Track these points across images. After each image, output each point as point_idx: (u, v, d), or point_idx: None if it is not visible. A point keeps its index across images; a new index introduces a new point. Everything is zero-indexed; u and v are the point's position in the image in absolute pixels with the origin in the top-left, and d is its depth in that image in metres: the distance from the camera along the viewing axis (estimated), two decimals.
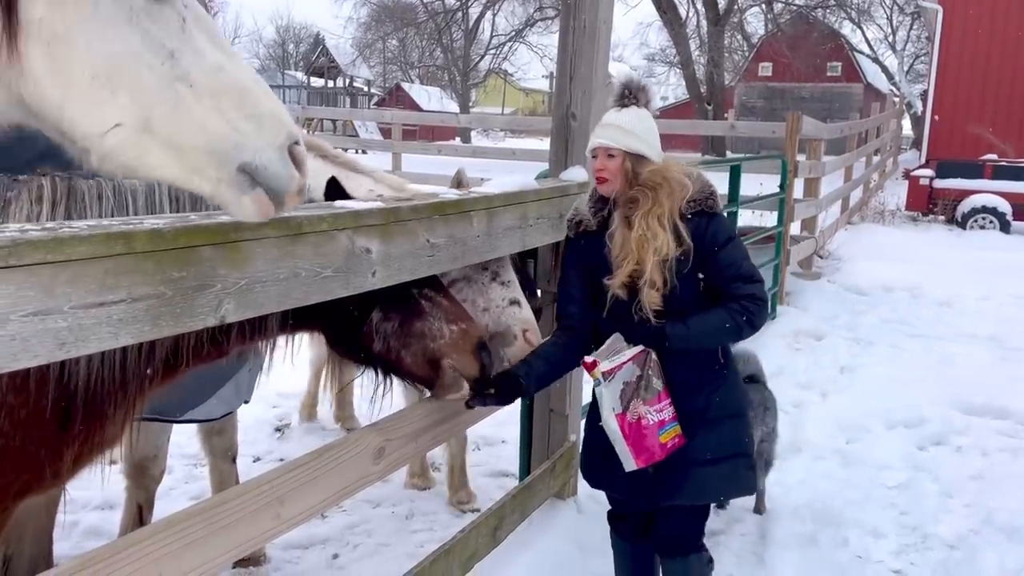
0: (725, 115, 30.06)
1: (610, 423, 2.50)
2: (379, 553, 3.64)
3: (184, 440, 4.23)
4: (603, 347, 2.55)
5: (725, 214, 2.67)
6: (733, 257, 2.56)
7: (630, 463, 2.51)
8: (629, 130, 2.59)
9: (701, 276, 2.56)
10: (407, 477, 4.32)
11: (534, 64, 42.43)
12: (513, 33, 41.23)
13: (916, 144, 24.76)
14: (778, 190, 7.72)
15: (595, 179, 2.65)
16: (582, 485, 3.74)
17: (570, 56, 3.36)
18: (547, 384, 2.79)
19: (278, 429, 5.06)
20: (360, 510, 4.03)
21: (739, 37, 38.25)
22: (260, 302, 1.80)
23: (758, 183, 8.34)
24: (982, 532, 3.95)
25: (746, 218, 8.38)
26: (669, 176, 2.56)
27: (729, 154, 21.56)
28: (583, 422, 2.83)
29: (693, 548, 2.77)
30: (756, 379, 4.11)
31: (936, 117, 19.55)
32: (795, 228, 9.31)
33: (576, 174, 3.35)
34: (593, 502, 3.90)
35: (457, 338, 2.27)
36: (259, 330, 2.09)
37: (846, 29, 40.57)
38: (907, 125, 35.68)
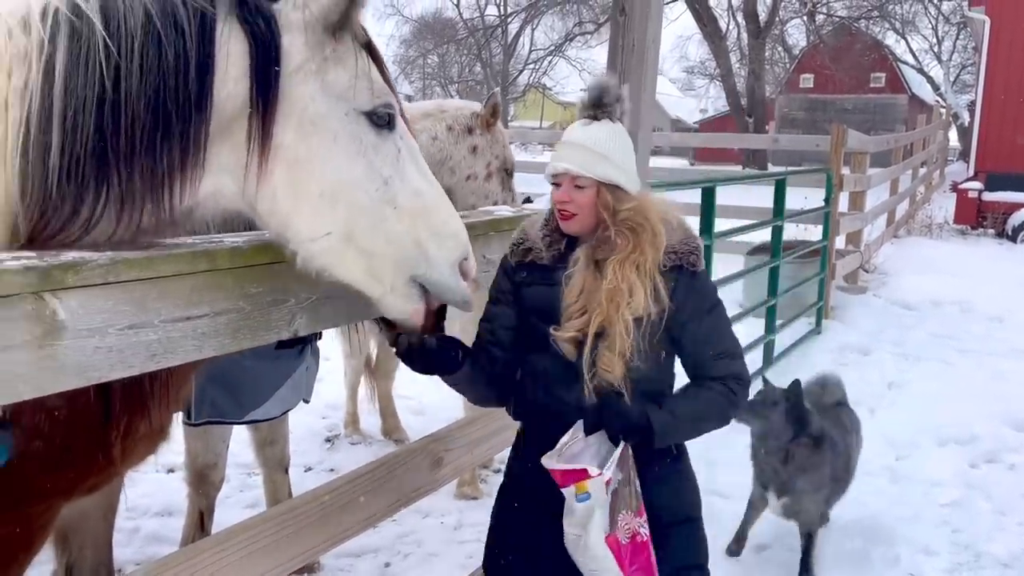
0: (766, 128, 29.87)
1: (598, 550, 1.88)
2: (429, 563, 3.70)
3: (238, 449, 4.35)
4: (563, 441, 1.95)
5: (706, 274, 2.18)
6: (718, 327, 2.09)
7: None
8: (603, 154, 2.01)
9: (665, 348, 2.06)
10: (456, 487, 4.39)
11: (573, 78, 42.50)
12: (552, 48, 41.43)
13: (963, 155, 24.32)
14: (823, 204, 7.68)
15: (558, 213, 2.06)
16: None
17: (619, 74, 3.41)
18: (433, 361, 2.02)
19: (328, 440, 5.16)
20: (410, 520, 4.10)
21: (780, 49, 38.01)
22: (329, 317, 1.89)
23: (803, 197, 8.29)
24: None
25: (791, 232, 8.33)
26: (651, 217, 2.03)
27: (771, 167, 21.40)
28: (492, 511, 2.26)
29: None
30: (843, 403, 4.16)
31: (985, 126, 19.19)
32: (840, 242, 9.24)
33: None
34: None
35: None
36: None
37: (890, 40, 40.09)
38: (954, 136, 35.06)
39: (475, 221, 2.45)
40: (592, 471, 1.85)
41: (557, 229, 2.10)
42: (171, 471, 4.52)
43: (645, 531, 1.94)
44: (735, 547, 3.81)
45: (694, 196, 5.45)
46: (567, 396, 2.00)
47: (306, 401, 3.36)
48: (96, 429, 1.80)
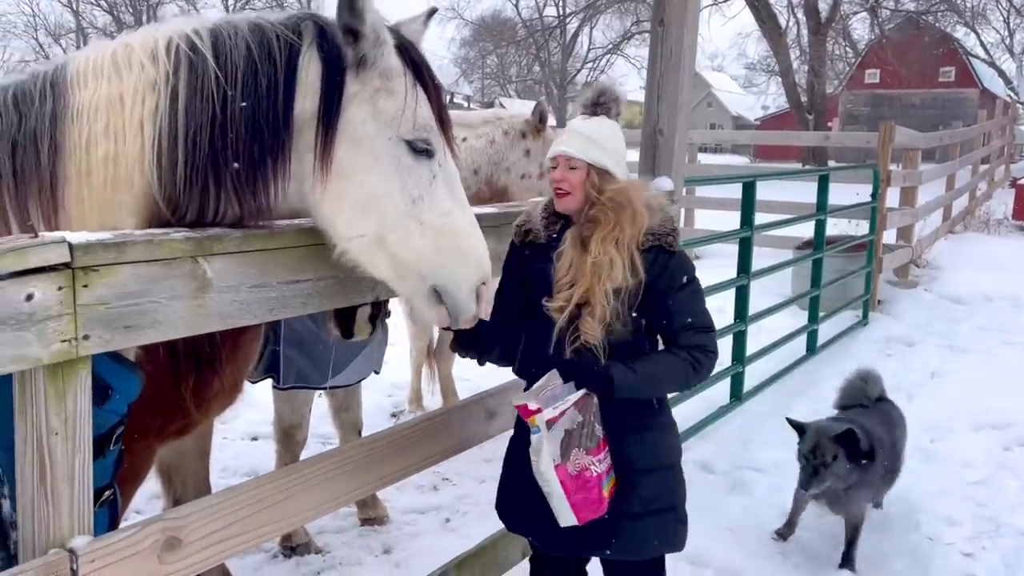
0: (829, 124, 29.49)
1: (548, 475, 2.17)
2: (486, 519, 4.08)
3: (316, 422, 4.83)
4: (538, 385, 2.24)
5: (686, 253, 2.44)
6: (689, 303, 2.33)
7: (569, 518, 2.21)
8: (596, 141, 2.34)
9: (642, 317, 2.31)
10: None
11: (631, 76, 42.48)
12: (610, 46, 41.56)
13: None
14: (870, 199, 7.86)
15: (553, 192, 2.37)
16: None
17: (657, 79, 3.77)
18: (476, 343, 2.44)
19: (394, 415, 5.62)
20: (468, 484, 4.53)
21: (844, 44, 37.40)
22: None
23: (855, 193, 8.45)
24: None
25: (841, 227, 8.50)
26: (633, 199, 2.31)
27: (832, 163, 21.29)
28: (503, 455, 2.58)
29: None
30: (884, 398, 4.26)
31: None
32: (891, 237, 9.34)
33: (663, 183, 3.75)
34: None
35: None
36: None
37: (959, 33, 39.07)
38: None
39: (521, 208, 2.84)
40: (532, 406, 2.14)
41: (555, 212, 2.41)
42: (255, 439, 5.05)
43: (597, 469, 2.21)
44: (785, 531, 3.89)
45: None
46: (556, 357, 2.29)
47: (376, 372, 3.82)
48: (168, 384, 2.13)
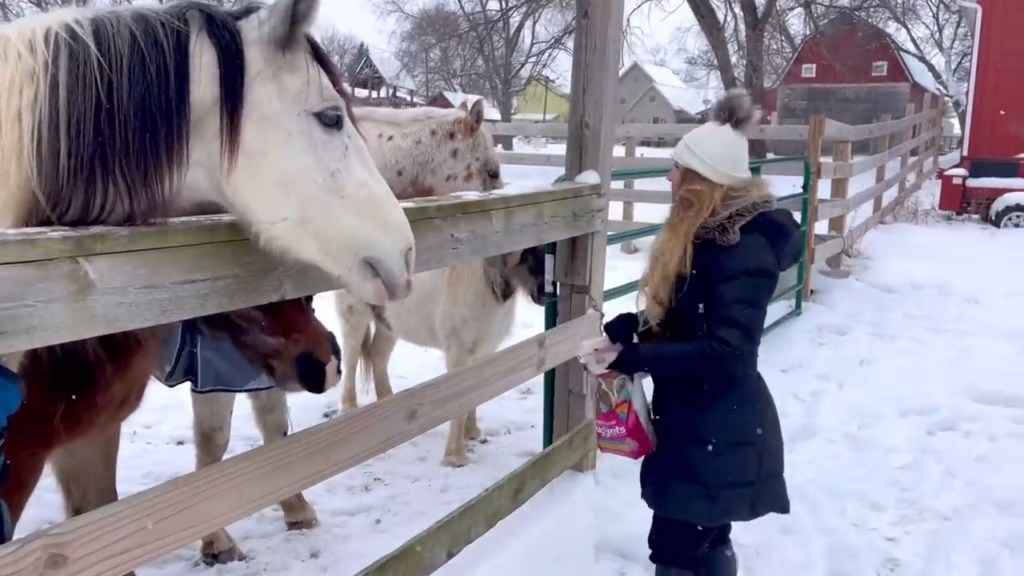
0: (768, 118, 30.01)
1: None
2: (416, 519, 4.03)
3: (242, 424, 4.70)
4: (596, 341, 2.83)
5: (746, 251, 2.58)
6: (725, 296, 2.51)
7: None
8: (691, 146, 2.66)
9: (701, 306, 2.57)
10: (443, 455, 4.74)
11: None
12: (553, 40, 41.60)
13: (962, 143, 24.47)
14: (801, 191, 7.99)
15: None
16: (601, 461, 4.13)
17: (583, 71, 3.75)
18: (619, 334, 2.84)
19: (326, 415, 5.51)
20: (400, 484, 4.46)
21: (780, 39, 38.06)
22: (313, 283, 2.23)
23: (791, 184, 8.58)
24: (977, 506, 4.21)
25: None
26: (704, 198, 2.59)
27: (770, 156, 21.67)
28: None
29: (673, 561, 2.87)
30: None
31: (977, 113, 19.41)
32: (823, 228, 9.53)
33: (589, 177, 3.74)
34: (611, 476, 4.27)
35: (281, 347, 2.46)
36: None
37: (891, 28, 40.12)
38: (956, 124, 35.17)
39: (445, 203, 2.79)
40: (581, 360, 2.82)
41: None
42: (181, 443, 4.90)
43: (598, 431, 2.87)
44: None
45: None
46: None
47: None
48: (48, 397, 2.10)
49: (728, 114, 2.67)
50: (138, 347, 2.11)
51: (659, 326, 2.70)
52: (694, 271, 2.54)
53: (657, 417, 2.80)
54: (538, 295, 4.22)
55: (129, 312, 1.78)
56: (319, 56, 1.95)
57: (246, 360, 2.59)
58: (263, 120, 1.84)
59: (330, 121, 1.89)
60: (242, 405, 3.94)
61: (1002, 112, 18.61)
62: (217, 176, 1.84)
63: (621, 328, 2.82)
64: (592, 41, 3.69)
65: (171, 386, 3.32)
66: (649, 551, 2.97)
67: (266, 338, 2.46)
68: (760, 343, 2.66)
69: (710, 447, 2.62)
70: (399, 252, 1.94)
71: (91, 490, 2.79)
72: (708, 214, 2.56)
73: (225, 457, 3.75)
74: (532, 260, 4.09)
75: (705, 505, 2.64)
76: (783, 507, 2.81)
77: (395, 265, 1.93)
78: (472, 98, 4.37)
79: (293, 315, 2.47)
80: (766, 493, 2.73)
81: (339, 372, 2.51)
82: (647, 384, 2.88)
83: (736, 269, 2.51)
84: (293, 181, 1.84)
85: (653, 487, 2.78)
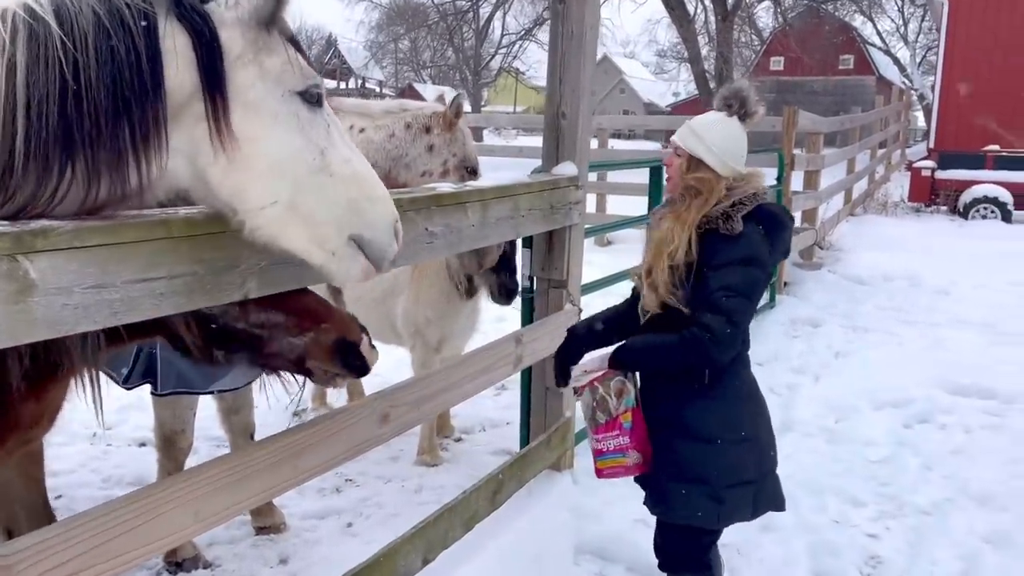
0: None
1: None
2: (390, 522, 3.92)
3: (208, 424, 4.54)
4: (590, 356, 2.73)
5: (745, 240, 2.53)
6: (712, 283, 2.45)
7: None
8: (699, 133, 2.61)
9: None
10: (416, 454, 4.62)
11: (545, 62, 42.41)
12: (523, 32, 41.43)
13: (927, 135, 24.85)
14: (775, 183, 7.96)
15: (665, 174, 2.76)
16: (578, 461, 4.03)
17: (559, 59, 3.63)
18: (602, 340, 2.86)
19: (295, 414, 5.35)
20: (372, 485, 4.33)
21: (749, 32, 38.26)
22: (279, 280, 2.09)
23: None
24: (956, 500, 4.19)
25: None
26: (713, 188, 2.55)
27: None
28: None
29: (685, 568, 2.79)
30: None
31: (943, 106, 19.62)
32: (796, 220, 9.53)
33: (566, 169, 3.62)
34: (589, 476, 4.18)
35: (311, 346, 2.22)
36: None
37: (857, 22, 40.53)
38: (921, 117, 35.65)
39: (418, 196, 2.66)
40: (574, 374, 2.80)
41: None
42: (143, 444, 4.72)
43: (596, 446, 2.70)
44: None
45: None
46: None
47: (267, 373, 3.54)
48: None
49: (739, 105, 2.63)
50: (67, 373, 1.96)
51: (656, 318, 2.61)
52: (698, 261, 2.50)
53: (662, 415, 2.68)
54: (498, 293, 4.09)
55: (75, 315, 1.63)
56: (286, 34, 1.89)
57: (273, 373, 2.35)
58: (249, 104, 1.79)
59: (313, 99, 1.85)
60: (207, 404, 3.78)
61: (961, 87, 18.77)
62: (200, 165, 1.77)
63: (589, 335, 2.81)
64: (569, 27, 3.57)
65: (128, 389, 3.16)
66: (656, 560, 2.88)
67: (292, 340, 2.23)
68: (744, 331, 2.59)
69: (713, 445, 2.56)
70: (389, 226, 1.91)
71: (19, 510, 2.63)
72: (714, 203, 2.53)
73: (190, 459, 3.60)
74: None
75: (712, 507, 2.57)
76: (780, 505, 2.75)
77: (385, 239, 1.90)
78: (447, 91, 4.21)
79: (311, 303, 2.30)
80: (766, 491, 2.67)
81: (373, 347, 2.29)
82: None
83: (732, 257, 2.46)
84: (286, 164, 1.80)
85: (654, 492, 2.69)
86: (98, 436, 4.89)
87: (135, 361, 3.11)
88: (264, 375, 3.42)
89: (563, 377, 2.87)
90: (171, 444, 3.44)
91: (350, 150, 1.91)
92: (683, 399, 2.58)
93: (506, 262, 3.91)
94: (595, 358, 2.71)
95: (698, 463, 2.56)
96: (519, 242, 3.81)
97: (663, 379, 2.63)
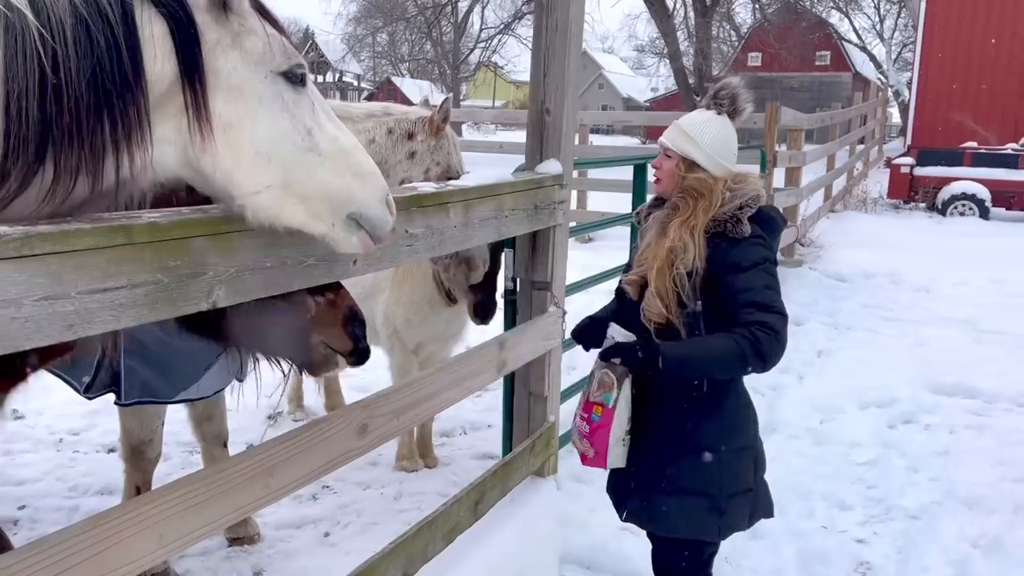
0: None
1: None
2: (368, 531, 3.81)
3: (180, 429, 4.39)
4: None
5: (759, 241, 2.47)
6: (751, 282, 2.35)
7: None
8: (690, 134, 2.54)
9: (706, 300, 2.43)
10: (396, 460, 4.50)
11: (524, 56, 42.33)
12: (502, 26, 41.25)
13: (904, 132, 25.04)
14: None
15: (652, 177, 2.67)
16: (562, 465, 3.93)
17: (543, 53, 3.51)
18: (592, 340, 2.76)
19: (270, 417, 5.21)
20: (350, 492, 4.20)
21: (728, 28, 38.36)
22: (249, 288, 1.96)
23: None
24: (944, 503, 4.15)
25: None
26: (714, 189, 2.48)
27: None
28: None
29: None
30: None
31: (920, 103, 19.75)
32: None
33: (551, 167, 3.51)
34: (573, 481, 4.09)
35: (323, 312, 2.24)
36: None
37: (834, 18, 40.79)
38: (896, 113, 35.94)
39: (399, 197, 2.53)
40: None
41: (659, 196, 2.67)
42: (111, 451, 4.56)
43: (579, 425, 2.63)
44: None
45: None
46: (633, 327, 2.53)
47: (240, 380, 3.39)
48: None
49: (730, 102, 2.57)
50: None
51: (656, 327, 2.49)
52: (709, 266, 2.41)
53: (655, 424, 2.58)
54: (474, 314, 3.96)
55: (25, 329, 1.50)
56: (265, 13, 1.85)
57: (263, 358, 2.42)
58: (232, 89, 1.76)
59: (296, 79, 1.82)
60: (178, 408, 3.63)
61: (928, 86, 18.81)
62: (190, 153, 1.75)
63: (595, 332, 2.67)
64: (553, 20, 3.45)
65: (90, 398, 3.01)
66: None
67: (311, 298, 2.25)
68: None
69: (715, 456, 2.48)
70: (379, 200, 1.90)
71: None
72: (719, 205, 2.46)
73: (161, 466, 3.46)
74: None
75: (714, 519, 2.49)
76: (770, 511, 2.67)
77: (378, 213, 1.90)
78: (428, 87, 4.07)
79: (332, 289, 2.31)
80: (761, 498, 2.60)
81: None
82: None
83: (755, 258, 2.39)
84: (274, 146, 1.78)
85: (648, 507, 2.55)
86: (64, 442, 4.73)
87: (97, 369, 2.96)
88: (236, 381, 3.35)
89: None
90: (138, 455, 3.29)
91: (336, 127, 1.90)
92: (692, 410, 2.49)
93: (489, 281, 3.78)
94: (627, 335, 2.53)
95: (701, 475, 2.48)
96: (503, 257, 3.68)
97: (672, 391, 2.51)
